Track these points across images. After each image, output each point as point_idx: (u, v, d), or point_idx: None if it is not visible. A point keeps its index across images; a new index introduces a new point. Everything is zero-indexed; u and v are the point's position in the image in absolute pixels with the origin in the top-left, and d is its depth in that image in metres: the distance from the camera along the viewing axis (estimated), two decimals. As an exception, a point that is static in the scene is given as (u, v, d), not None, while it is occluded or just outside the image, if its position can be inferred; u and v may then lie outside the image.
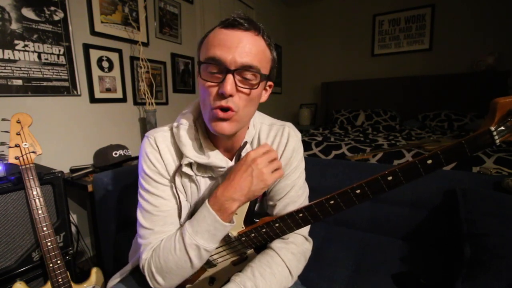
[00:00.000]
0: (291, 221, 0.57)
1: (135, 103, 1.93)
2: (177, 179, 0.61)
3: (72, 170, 1.45)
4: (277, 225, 0.58)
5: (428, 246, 1.03)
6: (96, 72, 1.67)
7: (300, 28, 4.08)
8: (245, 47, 0.50)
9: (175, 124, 0.62)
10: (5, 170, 0.95)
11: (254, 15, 3.27)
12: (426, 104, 3.15)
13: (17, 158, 0.89)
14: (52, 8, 1.43)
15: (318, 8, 3.90)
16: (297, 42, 4.14)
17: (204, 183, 0.64)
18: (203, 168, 0.62)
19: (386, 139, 2.27)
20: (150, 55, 2.00)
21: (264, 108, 3.71)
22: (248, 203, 0.62)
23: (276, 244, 0.64)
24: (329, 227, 1.20)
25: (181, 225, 0.61)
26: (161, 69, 2.13)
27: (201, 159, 0.58)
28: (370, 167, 1.29)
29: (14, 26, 1.30)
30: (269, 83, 0.60)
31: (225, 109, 0.51)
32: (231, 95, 0.50)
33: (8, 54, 1.29)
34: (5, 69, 1.28)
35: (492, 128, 0.43)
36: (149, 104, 1.89)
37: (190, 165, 0.60)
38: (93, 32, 1.64)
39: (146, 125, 1.91)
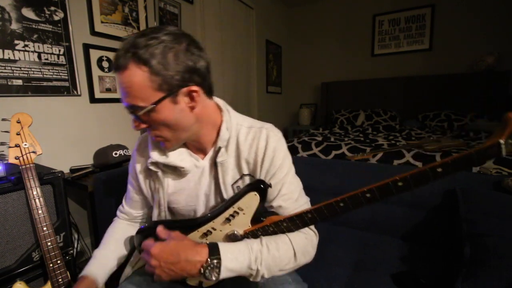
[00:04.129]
0: (299, 221, 0.59)
1: (135, 103, 1.93)
2: (146, 176, 0.71)
3: (72, 170, 1.45)
4: (285, 224, 0.60)
5: (428, 246, 1.03)
6: (96, 72, 1.67)
7: (300, 28, 4.08)
8: (123, 91, 0.55)
9: None
10: (5, 170, 0.94)
11: (254, 15, 3.27)
12: (426, 104, 3.15)
13: (17, 158, 0.89)
14: (52, 8, 1.43)
15: (318, 8, 3.90)
16: (297, 42, 4.14)
17: (167, 182, 0.69)
18: (170, 168, 0.67)
19: (386, 139, 2.27)
20: (150, 55, 2.00)
21: (264, 108, 3.71)
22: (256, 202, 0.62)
23: None
24: (329, 227, 1.20)
25: (160, 217, 0.72)
26: (161, 69, 2.13)
27: (161, 159, 0.65)
28: (370, 167, 1.28)
29: (14, 26, 1.30)
30: (188, 88, 0.55)
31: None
32: (140, 128, 0.60)
33: (8, 54, 1.29)
34: (5, 69, 1.28)
35: (502, 141, 0.44)
36: (149, 104, 1.88)
37: (156, 164, 0.67)
38: (93, 32, 1.64)
39: (146, 125, 1.90)
